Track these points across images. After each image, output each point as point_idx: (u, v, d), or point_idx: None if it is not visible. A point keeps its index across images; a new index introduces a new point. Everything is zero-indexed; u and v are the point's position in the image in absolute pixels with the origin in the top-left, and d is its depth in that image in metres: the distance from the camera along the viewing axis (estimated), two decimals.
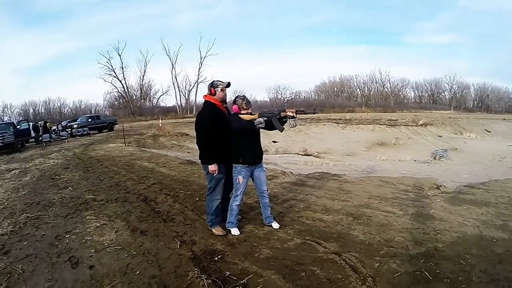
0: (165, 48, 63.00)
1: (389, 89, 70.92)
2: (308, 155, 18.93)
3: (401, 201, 5.25)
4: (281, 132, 4.15)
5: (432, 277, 2.96)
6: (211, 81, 4.14)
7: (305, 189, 6.19)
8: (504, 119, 40.31)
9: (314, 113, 4.59)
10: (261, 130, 4.06)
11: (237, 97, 4.08)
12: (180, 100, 57.96)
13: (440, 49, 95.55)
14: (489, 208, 4.83)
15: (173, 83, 57.34)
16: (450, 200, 5.30)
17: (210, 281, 3.07)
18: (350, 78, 72.76)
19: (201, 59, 55.74)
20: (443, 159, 17.96)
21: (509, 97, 69.31)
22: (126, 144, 16.79)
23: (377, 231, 4.02)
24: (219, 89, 4.03)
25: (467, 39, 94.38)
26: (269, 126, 3.99)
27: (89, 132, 25.18)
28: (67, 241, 4.24)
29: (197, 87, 56.66)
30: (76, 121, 28.73)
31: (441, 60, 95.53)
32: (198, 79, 56.26)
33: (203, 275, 3.17)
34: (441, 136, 27.00)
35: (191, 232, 4.28)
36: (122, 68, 53.65)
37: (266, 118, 3.94)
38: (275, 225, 4.24)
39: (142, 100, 58.37)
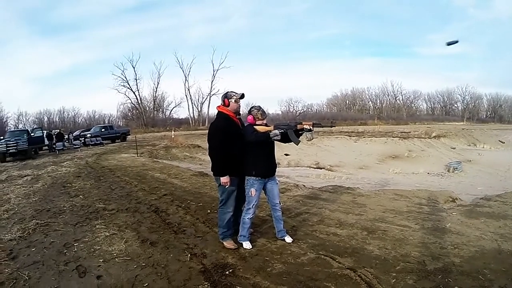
0: (178, 61, 64.08)
1: (401, 101, 70.56)
2: (320, 168, 18.88)
3: (417, 215, 5.14)
4: (297, 145, 4.07)
5: None
6: (225, 92, 4.10)
7: (318, 202, 6.10)
8: None
9: (332, 126, 4.52)
10: (275, 142, 4.02)
11: (252, 107, 4.05)
12: (193, 112, 58.71)
13: (451, 60, 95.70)
14: (506, 221, 4.70)
15: (186, 95, 58.25)
16: (467, 213, 5.17)
17: None
18: (362, 90, 72.91)
19: (213, 71, 56.68)
20: (457, 171, 17.74)
21: None
22: (139, 155, 17.04)
23: (392, 246, 3.93)
24: (233, 100, 4.00)
25: (478, 49, 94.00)
26: (285, 139, 3.95)
27: (102, 142, 25.58)
28: (76, 249, 4.22)
29: (209, 99, 57.41)
30: (89, 131, 29.28)
31: (453, 71, 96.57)
32: (210, 91, 57.06)
33: None
34: (454, 148, 26.68)
35: (202, 244, 4.22)
36: (136, 80, 54.79)
37: (282, 130, 3.89)
38: (288, 239, 4.15)
39: (155, 112, 59.15)
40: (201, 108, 58.92)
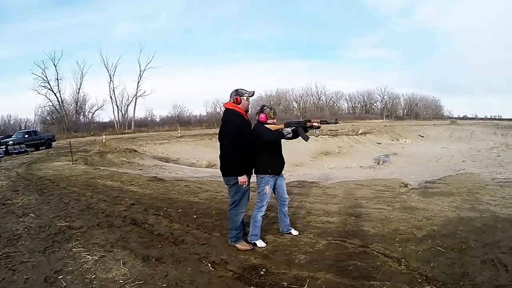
0: (103, 60, 59.63)
1: (325, 101, 75.14)
2: None
3: (384, 199, 5.99)
4: (306, 141, 4.22)
5: (444, 250, 3.67)
6: (235, 89, 4.00)
7: (294, 196, 6.43)
8: (434, 124, 45.43)
9: (336, 123, 4.88)
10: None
11: (264, 106, 4.16)
12: (118, 115, 55.41)
13: (372, 62, 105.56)
14: (455, 197, 5.85)
15: (111, 97, 54.45)
16: (422, 194, 6.22)
17: None
18: (286, 91, 75.93)
19: (140, 72, 54.12)
20: (386, 163, 19.77)
21: (436, 104, 78.36)
22: (74, 162, 15.74)
23: (381, 225, 4.59)
24: (245, 98, 3.96)
25: (397, 53, 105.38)
26: (294, 136, 4.15)
27: (26, 149, 23.03)
28: (64, 284, 3.28)
29: (135, 101, 54.83)
30: (11, 137, 25.66)
31: (374, 73, 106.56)
32: (137, 93, 54.42)
33: None
34: (380, 143, 29.69)
35: (213, 251, 3.96)
36: (58, 80, 49.65)
37: (293, 128, 4.09)
38: (294, 232, 4.36)
39: (77, 115, 54.73)
40: (126, 110, 55.87)
